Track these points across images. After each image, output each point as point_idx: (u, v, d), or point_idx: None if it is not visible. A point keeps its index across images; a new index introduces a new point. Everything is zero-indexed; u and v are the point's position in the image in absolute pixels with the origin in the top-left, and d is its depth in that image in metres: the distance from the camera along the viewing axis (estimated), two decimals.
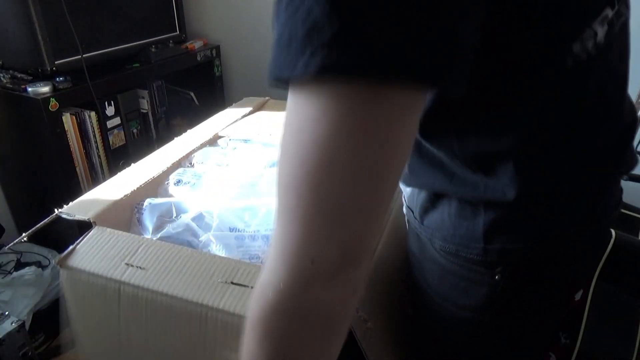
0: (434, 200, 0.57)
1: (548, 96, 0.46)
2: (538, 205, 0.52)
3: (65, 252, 0.73)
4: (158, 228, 0.81)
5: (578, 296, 1.22)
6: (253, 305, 0.41)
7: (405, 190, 0.65)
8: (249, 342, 0.42)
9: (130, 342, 0.72)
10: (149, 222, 0.82)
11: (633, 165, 0.61)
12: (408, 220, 0.66)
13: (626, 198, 1.28)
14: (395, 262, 0.79)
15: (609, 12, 0.45)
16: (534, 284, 0.57)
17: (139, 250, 0.70)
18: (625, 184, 1.28)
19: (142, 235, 0.80)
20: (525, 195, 0.50)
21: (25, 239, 0.79)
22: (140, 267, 0.68)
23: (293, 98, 0.35)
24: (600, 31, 0.45)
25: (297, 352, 0.41)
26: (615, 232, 1.16)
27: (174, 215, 0.83)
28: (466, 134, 0.49)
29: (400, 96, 0.33)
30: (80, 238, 0.74)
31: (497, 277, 0.55)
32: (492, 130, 0.48)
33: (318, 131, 0.33)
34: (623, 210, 1.26)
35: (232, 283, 0.65)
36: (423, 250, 0.62)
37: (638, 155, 0.60)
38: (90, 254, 0.72)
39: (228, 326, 0.64)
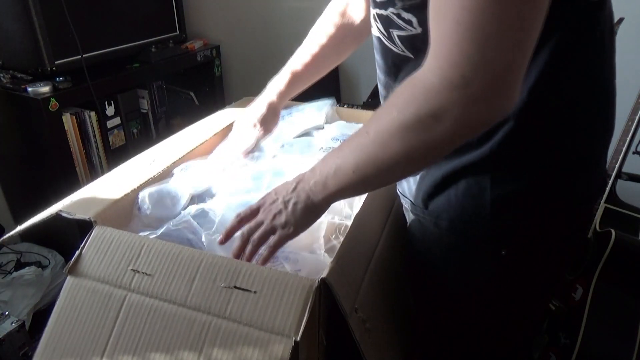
0: (440, 185, 0.60)
1: (569, 30, 0.49)
2: (540, 177, 0.55)
3: (72, 259, 0.72)
4: (158, 219, 0.81)
5: (578, 296, 1.21)
6: (399, 105, 0.47)
7: (401, 184, 0.68)
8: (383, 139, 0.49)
9: (114, 349, 0.69)
10: (146, 209, 0.82)
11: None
12: (408, 210, 0.68)
13: (626, 198, 1.28)
14: (395, 265, 0.79)
15: None
16: (533, 258, 0.60)
17: (142, 251, 0.71)
18: (625, 184, 1.28)
19: (141, 229, 0.81)
20: (530, 164, 0.54)
21: (20, 232, 0.79)
22: (146, 274, 0.69)
23: None
24: None
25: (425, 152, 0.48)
26: (615, 232, 1.16)
27: (172, 197, 0.83)
28: None
29: None
30: (84, 242, 0.74)
31: (503, 252, 0.57)
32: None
33: None
34: (623, 210, 1.26)
35: (235, 287, 0.65)
36: (426, 235, 0.64)
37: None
38: (97, 260, 0.72)
39: (230, 334, 0.64)
